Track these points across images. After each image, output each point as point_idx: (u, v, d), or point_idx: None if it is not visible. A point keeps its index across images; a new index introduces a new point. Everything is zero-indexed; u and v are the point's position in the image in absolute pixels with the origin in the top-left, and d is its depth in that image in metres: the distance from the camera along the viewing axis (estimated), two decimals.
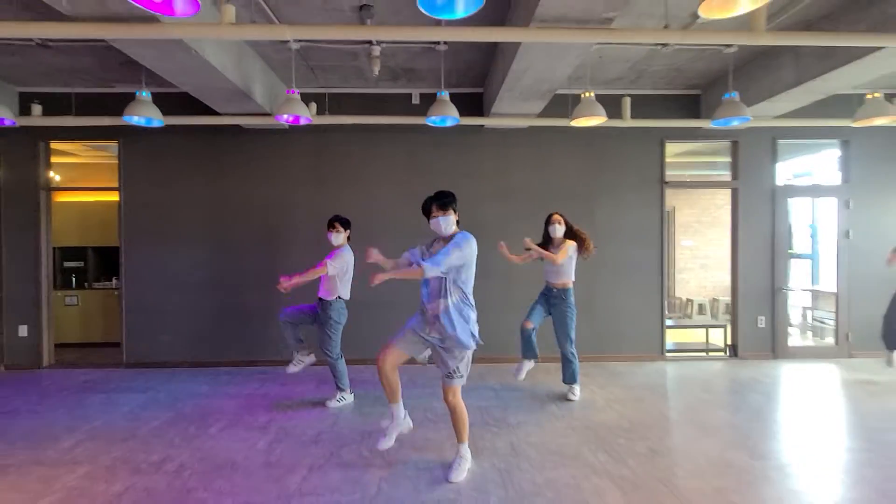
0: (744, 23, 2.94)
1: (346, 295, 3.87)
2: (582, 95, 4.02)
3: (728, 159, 5.53)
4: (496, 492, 2.48)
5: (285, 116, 3.99)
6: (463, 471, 2.65)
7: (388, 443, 2.79)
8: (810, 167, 7.59)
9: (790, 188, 5.60)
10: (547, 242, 4.00)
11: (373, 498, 2.43)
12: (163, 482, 2.61)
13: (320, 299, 3.83)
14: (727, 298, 8.50)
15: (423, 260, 2.56)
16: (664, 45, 3.98)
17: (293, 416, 3.64)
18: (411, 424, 2.91)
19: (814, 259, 7.78)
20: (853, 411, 3.70)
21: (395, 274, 2.55)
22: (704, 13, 2.17)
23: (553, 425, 3.40)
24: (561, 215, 3.98)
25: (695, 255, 8.96)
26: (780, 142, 5.32)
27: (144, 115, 3.89)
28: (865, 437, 3.17)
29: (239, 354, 5.09)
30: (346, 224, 3.87)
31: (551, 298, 3.96)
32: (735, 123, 4.14)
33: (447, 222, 2.65)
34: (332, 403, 3.85)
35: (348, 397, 3.93)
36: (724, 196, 8.87)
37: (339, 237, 3.82)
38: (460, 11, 2.13)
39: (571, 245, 3.89)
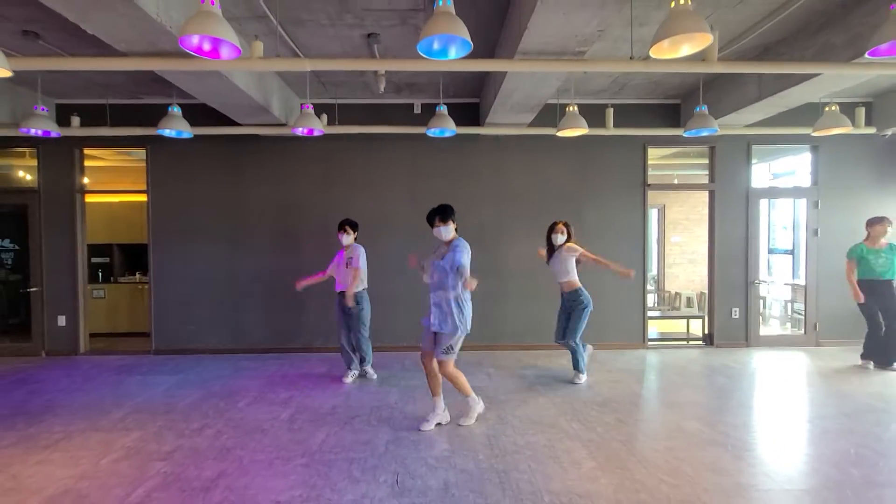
0: (700, 52, 3.39)
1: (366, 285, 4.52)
2: (567, 109, 4.48)
3: (706, 160, 5.98)
4: (483, 451, 2.97)
5: (301, 129, 4.48)
6: (473, 416, 3.40)
7: (427, 426, 3.32)
8: (794, 167, 8.03)
9: (763, 190, 6.04)
10: (551, 250, 4.42)
11: (381, 455, 2.92)
12: (204, 443, 3.12)
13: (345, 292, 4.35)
14: None
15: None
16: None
17: (310, 393, 4.14)
18: (449, 418, 3.44)
19: (794, 255, 8.24)
20: (805, 392, 4.17)
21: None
22: (655, 55, 2.62)
23: (536, 401, 3.89)
24: (565, 224, 4.35)
25: (683, 251, 9.42)
26: (758, 146, 5.76)
27: (175, 128, 4.37)
28: (810, 412, 3.65)
29: (257, 342, 5.61)
30: (355, 227, 4.42)
31: (566, 302, 4.39)
32: (705, 133, 4.59)
33: (447, 231, 3.32)
34: (373, 373, 4.54)
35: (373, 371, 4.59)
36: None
37: (348, 238, 4.36)
38: (452, 55, 2.60)
39: (569, 249, 4.28)
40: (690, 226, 9.36)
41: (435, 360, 3.29)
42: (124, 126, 5.21)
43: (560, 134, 4.59)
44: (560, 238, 4.35)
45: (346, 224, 4.38)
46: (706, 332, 5.96)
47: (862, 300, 4.71)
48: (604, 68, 3.30)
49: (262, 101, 4.40)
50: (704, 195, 9.54)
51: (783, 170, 8.02)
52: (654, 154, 6.03)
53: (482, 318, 5.60)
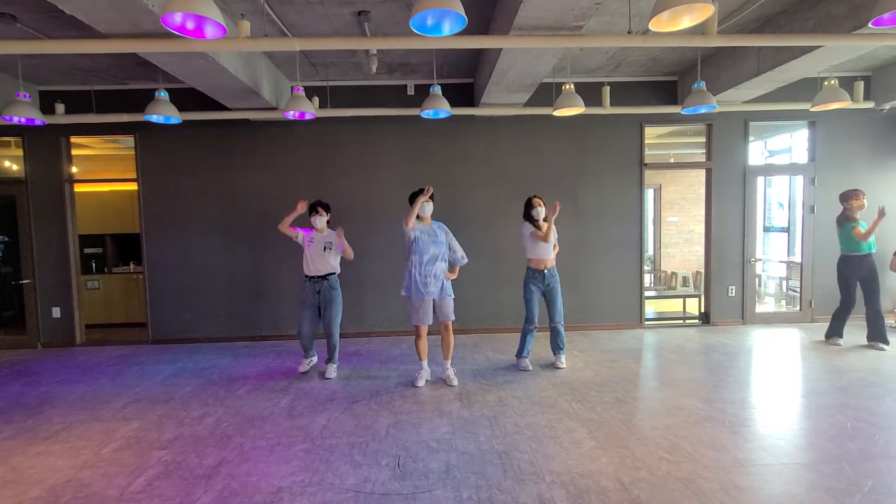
0: (699, 25, 3.31)
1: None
2: (563, 87, 4.39)
3: (702, 139, 5.93)
4: (484, 432, 2.99)
5: (292, 112, 4.38)
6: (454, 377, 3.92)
7: (420, 383, 3.89)
8: (789, 144, 7.99)
9: (760, 168, 6.01)
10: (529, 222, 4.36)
11: (382, 439, 2.93)
12: (205, 431, 3.11)
13: (325, 277, 4.15)
14: None
15: (458, 259, 3.99)
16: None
17: (309, 380, 4.14)
18: (455, 381, 3.90)
19: (789, 232, 8.26)
20: (800, 367, 4.21)
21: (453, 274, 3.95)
22: (654, 27, 2.55)
23: (536, 382, 3.91)
24: (539, 197, 4.24)
25: (679, 231, 9.42)
26: (756, 123, 5.70)
27: (163, 113, 4.26)
28: (804, 388, 3.69)
29: (253, 330, 5.59)
30: (328, 208, 4.26)
31: (546, 278, 4.20)
32: (703, 111, 4.53)
33: (430, 207, 3.86)
34: (333, 374, 4.18)
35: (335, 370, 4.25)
36: None
37: (321, 220, 4.20)
38: (446, 31, 2.52)
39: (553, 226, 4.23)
40: (686, 205, 9.35)
41: (447, 324, 3.86)
42: (111, 113, 5.08)
43: (556, 113, 4.52)
44: (542, 212, 4.17)
45: (319, 205, 4.18)
46: (702, 310, 5.99)
47: None
48: (602, 44, 3.22)
49: (251, 84, 4.29)
50: (701, 174, 9.47)
51: (778, 147, 7.98)
52: (650, 133, 5.96)
53: (480, 301, 5.64)
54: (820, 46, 3.68)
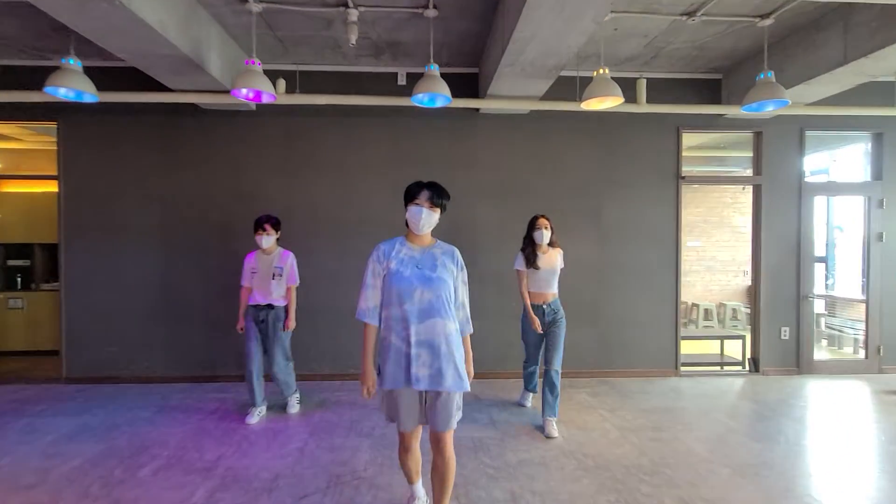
0: None
1: None
2: (595, 73, 3.44)
3: (743, 153, 5.02)
4: None
5: (244, 91, 3.39)
6: None
7: None
8: (826, 164, 7.12)
9: (820, 185, 5.07)
10: (529, 247, 3.43)
11: None
12: None
13: (270, 306, 3.43)
14: (735, 303, 8.06)
15: (461, 323, 2.15)
16: (691, 14, 3.42)
17: (249, 448, 3.02)
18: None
19: (828, 262, 7.32)
20: None
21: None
22: None
23: (561, 464, 2.82)
24: (547, 219, 3.42)
25: (700, 257, 8.46)
26: (811, 133, 4.78)
27: (73, 86, 3.23)
28: None
29: (195, 369, 4.45)
30: (278, 225, 3.44)
31: (547, 315, 3.40)
32: (770, 108, 3.60)
33: (431, 217, 2.11)
34: (296, 407, 3.69)
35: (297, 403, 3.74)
36: (734, 195, 8.41)
37: (269, 240, 3.40)
38: None
39: (560, 252, 3.46)
40: (709, 229, 8.41)
41: (443, 436, 2.02)
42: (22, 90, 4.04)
43: (585, 106, 3.56)
44: (546, 235, 3.37)
45: (267, 222, 3.37)
46: (750, 355, 4.95)
47: None
48: None
49: (192, 53, 3.29)
50: (725, 195, 8.73)
51: (815, 167, 7.09)
52: (687, 141, 5.01)
53: (481, 340, 4.49)
54: None
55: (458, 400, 2.05)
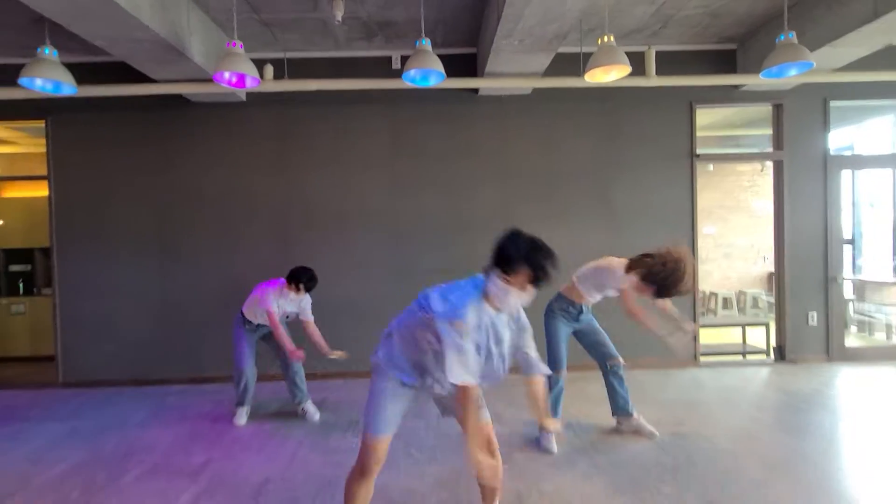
0: None
1: None
2: (599, 41, 3.19)
3: (758, 131, 4.71)
4: None
5: (226, 76, 3.20)
6: None
7: None
8: (850, 141, 6.73)
9: (846, 159, 4.74)
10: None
11: None
12: None
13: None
14: (756, 290, 7.70)
15: (533, 364, 1.80)
16: None
17: (238, 452, 2.85)
18: None
19: (855, 243, 6.91)
20: None
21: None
22: None
23: (571, 462, 2.60)
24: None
25: (717, 244, 8.10)
26: (835, 103, 4.46)
27: (49, 77, 3.10)
28: None
29: (192, 370, 4.31)
30: (311, 287, 3.33)
31: (584, 313, 2.99)
32: (793, 72, 3.30)
33: (519, 298, 1.65)
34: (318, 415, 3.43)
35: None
36: (751, 177, 8.04)
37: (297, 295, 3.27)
38: None
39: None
40: (725, 214, 8.05)
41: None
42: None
43: (589, 78, 3.31)
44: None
45: (310, 282, 3.25)
46: (775, 343, 4.64)
47: None
48: None
49: (171, 38, 3.13)
50: (742, 179, 8.35)
51: (838, 144, 6.71)
52: (701, 120, 4.72)
53: None
54: None
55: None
